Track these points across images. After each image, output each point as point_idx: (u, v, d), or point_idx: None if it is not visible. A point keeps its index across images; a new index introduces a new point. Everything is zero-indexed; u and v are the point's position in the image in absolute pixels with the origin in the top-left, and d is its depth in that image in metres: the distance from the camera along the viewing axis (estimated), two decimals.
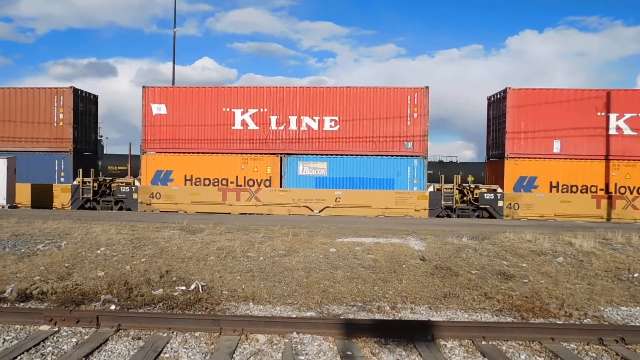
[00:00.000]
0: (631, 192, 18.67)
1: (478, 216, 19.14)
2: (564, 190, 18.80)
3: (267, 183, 19.45)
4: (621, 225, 15.17)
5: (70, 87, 19.81)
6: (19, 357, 4.66)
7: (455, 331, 5.36)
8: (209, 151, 19.57)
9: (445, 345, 5.15)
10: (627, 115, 18.56)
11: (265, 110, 19.41)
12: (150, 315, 5.76)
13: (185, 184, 19.52)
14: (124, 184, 20.04)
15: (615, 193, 18.66)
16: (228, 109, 19.52)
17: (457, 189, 19.20)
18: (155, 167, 19.65)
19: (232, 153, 19.52)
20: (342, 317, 6.06)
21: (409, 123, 18.93)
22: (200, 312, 6.17)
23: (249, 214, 18.30)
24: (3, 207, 18.75)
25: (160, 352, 4.84)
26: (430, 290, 7.28)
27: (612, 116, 18.62)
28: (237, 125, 19.52)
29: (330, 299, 6.84)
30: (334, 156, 19.25)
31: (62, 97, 19.75)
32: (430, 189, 19.08)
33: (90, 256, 8.74)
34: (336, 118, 19.27)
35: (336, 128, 19.25)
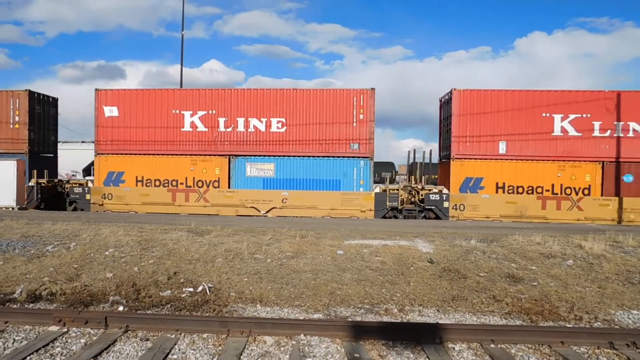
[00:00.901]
0: (577, 193, 18.68)
1: (425, 217, 19.19)
2: (510, 191, 18.86)
3: (216, 184, 19.71)
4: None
5: (26, 90, 20.19)
6: (28, 358, 4.69)
7: (463, 334, 5.32)
8: (160, 153, 19.92)
9: (454, 348, 5.11)
10: (572, 116, 18.62)
11: (214, 112, 19.74)
12: (158, 316, 5.77)
13: (136, 185, 19.84)
14: (77, 185, 20.39)
15: (561, 194, 18.69)
16: (178, 111, 19.87)
17: (403, 189, 19.33)
18: (107, 169, 20.02)
19: (181, 154, 19.83)
20: (350, 319, 6.04)
21: (355, 124, 19.14)
22: (208, 314, 6.18)
23: (198, 214, 18.56)
24: (12, 208, 18.94)
25: (168, 354, 4.85)
26: (438, 292, 7.23)
27: (557, 117, 18.68)
28: (187, 127, 19.88)
29: (337, 301, 6.82)
30: (281, 157, 19.49)
31: (17, 99, 20.13)
32: (377, 190, 19.19)
33: (99, 257, 8.79)
34: (283, 120, 19.53)
35: (283, 130, 19.52)
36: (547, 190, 18.71)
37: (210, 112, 19.70)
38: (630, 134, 18.49)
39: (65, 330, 5.37)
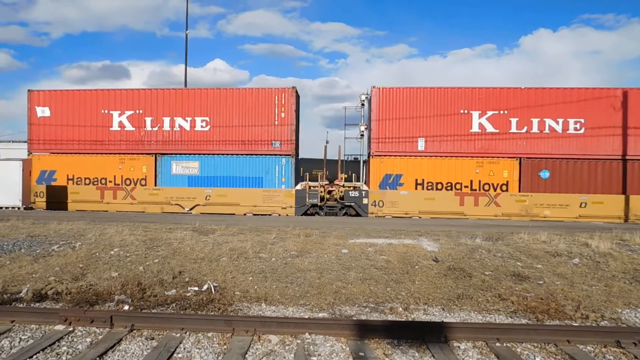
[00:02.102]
0: (495, 190, 18.84)
1: (345, 214, 19.32)
2: (429, 187, 19.04)
3: (143, 182, 20.15)
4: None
5: None
6: (34, 357, 4.71)
7: (468, 333, 5.29)
8: (89, 152, 20.42)
9: (459, 347, 5.09)
10: (490, 113, 18.85)
11: (141, 112, 20.25)
12: (164, 315, 5.78)
13: (67, 183, 20.27)
14: None
15: (480, 190, 18.83)
16: (106, 111, 20.38)
17: (323, 186, 19.52)
18: (40, 167, 20.47)
19: (110, 153, 20.35)
20: (355, 318, 6.03)
21: (276, 123, 19.57)
22: (213, 313, 6.18)
23: (126, 212, 19.00)
24: (19, 208, 19.04)
25: (173, 352, 4.86)
26: (444, 291, 7.21)
27: (475, 114, 18.89)
28: (115, 127, 20.40)
29: (342, 299, 6.81)
30: (205, 156, 20.02)
31: None
32: (298, 187, 19.40)
33: (104, 257, 8.82)
34: (207, 119, 20.01)
35: (207, 128, 20.02)
36: (466, 187, 18.97)
37: (137, 112, 20.29)
38: (547, 131, 18.77)
39: (71, 329, 5.40)
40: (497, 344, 5.12)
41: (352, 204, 19.20)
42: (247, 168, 19.77)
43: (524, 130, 18.81)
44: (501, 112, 18.86)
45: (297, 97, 20.45)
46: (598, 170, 18.56)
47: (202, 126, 20.00)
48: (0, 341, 5.09)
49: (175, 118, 20.07)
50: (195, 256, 8.87)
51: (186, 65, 35.10)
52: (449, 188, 19.02)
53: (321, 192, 19.40)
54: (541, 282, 7.67)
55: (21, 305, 6.41)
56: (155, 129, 20.18)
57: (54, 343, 5.03)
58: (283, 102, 19.53)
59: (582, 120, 18.64)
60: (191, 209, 19.55)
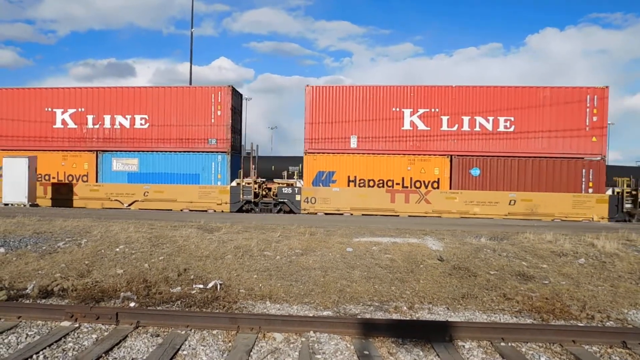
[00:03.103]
0: (426, 187, 19.00)
1: (280, 210, 19.54)
2: (361, 184, 19.19)
3: (85, 178, 20.64)
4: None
5: None
6: (41, 352, 4.74)
7: (473, 332, 5.28)
8: (34, 148, 20.72)
9: (464, 347, 5.09)
10: (421, 111, 19.07)
11: (83, 110, 20.75)
12: (169, 312, 5.81)
13: None
14: None
15: (411, 187, 19.01)
16: (50, 109, 20.86)
17: (257, 183, 19.80)
18: None
19: (53, 150, 20.74)
20: (359, 317, 6.03)
21: (212, 121, 20.01)
22: (217, 310, 6.20)
23: (68, 207, 19.42)
24: (24, 205, 19.15)
25: (178, 349, 4.88)
26: (448, 290, 7.20)
27: (407, 112, 19.13)
28: (58, 124, 20.92)
29: (347, 298, 6.81)
30: (144, 153, 20.51)
31: None
32: (233, 183, 19.65)
33: (110, 254, 8.86)
34: (146, 117, 20.43)
35: (146, 126, 20.48)
36: (398, 184, 19.14)
37: (79, 109, 20.75)
38: (477, 129, 18.94)
39: (77, 325, 5.43)
40: (502, 344, 5.11)
41: (285, 200, 19.48)
42: (184, 165, 20.26)
43: (455, 128, 19.09)
44: (432, 110, 19.16)
45: (238, 95, 21.22)
46: (528, 168, 18.74)
47: (141, 124, 20.53)
48: (7, 337, 5.13)
49: (115, 116, 20.62)
50: (200, 254, 8.90)
51: (191, 63, 35.19)
52: (380, 185, 19.26)
53: (255, 188, 19.70)
54: (546, 282, 7.65)
55: (27, 302, 6.44)
56: (97, 126, 20.76)
57: (60, 339, 5.06)
58: (219, 101, 20.03)
59: (512, 119, 18.90)
60: (130, 205, 20.02)
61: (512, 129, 18.83)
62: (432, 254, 9.07)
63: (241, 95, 22.15)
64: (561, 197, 18.43)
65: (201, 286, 7.12)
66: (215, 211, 19.32)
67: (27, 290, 6.82)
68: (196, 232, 10.83)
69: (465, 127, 18.98)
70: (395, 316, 6.18)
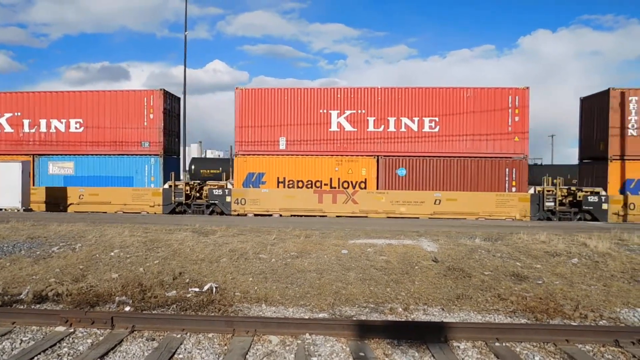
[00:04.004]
0: (353, 187, 19.27)
1: (212, 212, 19.80)
2: (290, 185, 19.50)
3: None
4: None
5: None
6: (35, 358, 4.73)
7: (468, 332, 5.32)
8: None
9: (459, 347, 5.12)
10: (348, 112, 19.40)
11: (19, 114, 20.93)
12: (164, 316, 5.81)
13: None
14: None
15: (339, 188, 19.29)
16: None
17: (188, 185, 20.08)
18: None
19: None
20: (355, 319, 6.05)
21: (145, 124, 20.31)
22: (213, 314, 6.20)
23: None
24: (18, 210, 19.04)
25: (174, 353, 4.88)
26: (443, 291, 7.24)
27: (334, 113, 19.46)
28: None
29: (342, 300, 6.83)
30: (80, 156, 20.83)
31: None
32: (165, 186, 19.90)
33: (105, 258, 8.84)
34: (81, 120, 20.68)
35: (81, 130, 20.75)
36: (326, 185, 19.42)
37: (15, 114, 20.90)
38: (403, 129, 19.28)
39: (72, 330, 5.41)
40: (497, 344, 5.14)
41: (216, 201, 19.69)
42: (119, 168, 20.50)
43: (381, 129, 19.41)
44: (359, 111, 19.46)
45: (174, 99, 21.66)
46: (452, 168, 19.05)
47: (76, 127, 20.80)
48: (1, 343, 5.11)
49: (51, 120, 20.82)
50: (196, 257, 8.89)
51: (185, 66, 35.14)
52: (309, 186, 19.52)
53: (186, 190, 19.90)
54: (540, 282, 7.70)
55: (22, 307, 6.42)
56: (33, 130, 20.94)
57: (55, 344, 5.05)
58: (152, 104, 20.33)
59: (437, 119, 19.22)
60: (65, 208, 20.18)
61: (436, 130, 19.22)
62: (427, 256, 9.11)
63: (179, 98, 22.64)
64: (485, 197, 18.77)
65: (197, 289, 7.11)
66: (148, 213, 19.59)
67: (22, 296, 6.79)
68: (191, 236, 10.82)
69: (391, 128, 19.37)
70: (390, 317, 6.21)
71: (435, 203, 18.83)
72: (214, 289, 7.08)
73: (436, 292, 7.18)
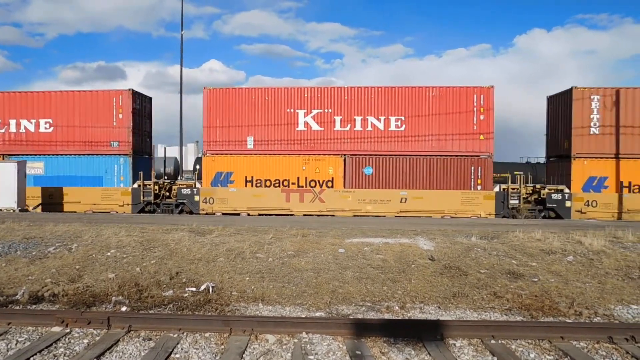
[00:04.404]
0: (320, 186, 19.44)
1: (181, 211, 19.97)
2: (258, 184, 19.67)
3: None
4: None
5: None
6: (31, 358, 4.72)
7: (464, 330, 5.35)
8: None
9: (455, 345, 5.14)
10: (315, 112, 19.57)
11: None
12: (161, 316, 5.81)
13: None
14: None
15: (306, 186, 19.44)
16: None
17: (157, 185, 20.22)
18: None
19: None
20: (352, 317, 6.07)
21: (114, 124, 20.42)
22: (210, 313, 6.21)
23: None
24: (14, 210, 18.96)
25: (170, 353, 4.88)
26: (440, 289, 7.27)
27: (301, 112, 19.64)
28: None
29: (339, 299, 6.85)
30: (49, 156, 20.74)
31: None
32: (135, 185, 20.05)
33: (101, 258, 8.82)
34: (50, 120, 20.72)
35: (51, 130, 20.86)
36: (293, 184, 19.57)
37: None
38: (369, 128, 19.43)
39: (68, 330, 5.41)
40: (492, 341, 5.17)
41: (185, 201, 19.81)
42: (88, 167, 20.58)
43: (348, 128, 19.54)
44: (326, 110, 19.60)
45: (144, 99, 21.78)
46: (419, 167, 19.23)
47: (46, 128, 20.80)
48: None
49: (21, 120, 20.79)
50: (192, 257, 8.89)
51: (182, 65, 34.95)
52: (277, 185, 19.67)
53: (155, 190, 20.00)
54: (536, 280, 7.74)
55: (17, 308, 6.40)
56: (2, 130, 20.96)
57: (51, 345, 5.04)
58: (121, 104, 20.41)
59: (403, 118, 19.39)
60: (35, 208, 20.21)
61: (402, 128, 19.38)
62: (423, 254, 9.14)
63: (150, 98, 22.66)
64: (450, 195, 18.91)
65: (193, 289, 7.12)
66: (117, 212, 19.68)
67: (17, 296, 6.78)
68: (188, 235, 10.81)
69: (358, 127, 19.51)
70: (387, 316, 6.23)
71: (401, 201, 18.99)
72: (211, 289, 7.09)
73: (432, 291, 7.21)
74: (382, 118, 19.39)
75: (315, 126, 19.57)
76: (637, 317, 6.29)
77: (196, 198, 19.55)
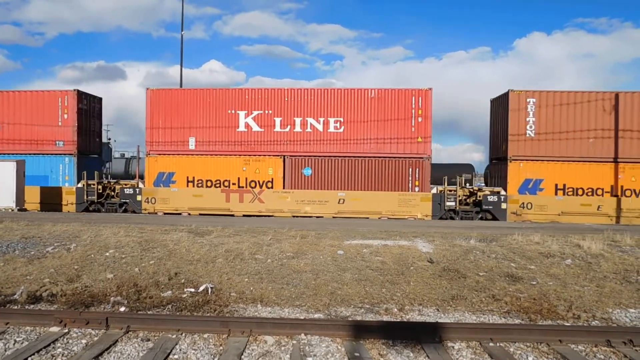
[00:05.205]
0: (260, 186, 19.71)
1: (124, 210, 20.16)
2: (199, 184, 19.88)
3: None
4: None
5: None
6: (29, 358, 4.71)
7: (462, 333, 5.35)
8: None
9: (453, 347, 5.15)
10: (255, 113, 19.83)
11: None
12: (159, 316, 5.80)
13: None
14: None
15: (246, 187, 19.72)
16: None
17: (101, 184, 20.42)
18: None
19: None
20: (350, 319, 6.08)
21: (60, 124, 20.67)
22: (208, 314, 6.21)
23: None
24: (13, 210, 18.94)
25: (169, 354, 4.88)
26: (438, 292, 7.27)
27: (241, 114, 19.88)
28: None
29: (338, 300, 6.85)
30: None
31: None
32: (79, 184, 20.27)
33: (100, 258, 8.81)
34: None
35: None
36: (234, 184, 19.79)
37: None
38: (309, 129, 19.66)
39: (66, 331, 5.40)
40: (491, 344, 5.18)
41: (128, 200, 20.02)
42: (34, 167, 20.64)
43: (288, 129, 19.74)
44: (266, 111, 19.83)
45: (92, 99, 21.96)
46: (357, 168, 19.37)
47: None
48: None
49: None
50: (191, 257, 8.89)
51: (182, 66, 34.97)
52: (217, 185, 19.87)
53: (98, 189, 20.21)
54: (534, 283, 7.75)
55: (15, 307, 6.39)
56: None
57: (49, 345, 5.04)
58: (66, 105, 20.63)
59: (342, 120, 19.55)
60: None
61: (341, 130, 19.57)
62: (422, 256, 9.15)
63: (100, 99, 22.87)
64: (388, 196, 19.05)
65: (192, 290, 7.11)
66: (62, 211, 19.88)
67: (15, 296, 6.77)
68: (187, 236, 10.81)
69: (298, 129, 19.72)
70: (385, 318, 6.24)
71: (339, 202, 19.13)
72: (210, 290, 7.08)
73: (431, 293, 7.21)
74: (322, 120, 19.62)
75: (255, 127, 19.82)
76: (635, 320, 6.30)
77: (138, 198, 19.84)
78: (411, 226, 14.49)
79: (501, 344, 5.20)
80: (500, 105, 20.23)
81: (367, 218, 18.42)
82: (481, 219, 19.06)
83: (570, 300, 6.94)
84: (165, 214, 19.20)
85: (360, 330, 5.35)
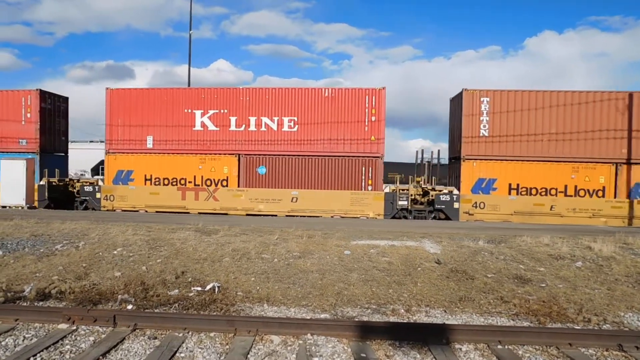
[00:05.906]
0: (216, 185, 19.79)
1: (85, 208, 20.36)
2: (157, 182, 20.07)
3: None
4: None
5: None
6: (38, 355, 4.74)
7: (470, 335, 5.30)
8: None
9: (461, 349, 5.10)
10: (211, 112, 19.96)
11: None
12: (166, 315, 5.81)
13: None
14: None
15: (202, 185, 19.86)
16: None
17: (62, 182, 20.74)
18: None
19: None
20: (357, 319, 6.05)
21: (23, 123, 20.92)
22: (215, 313, 6.21)
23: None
24: (22, 207, 19.11)
25: (175, 352, 4.88)
26: (446, 293, 7.21)
27: (198, 113, 20.03)
28: None
29: (344, 301, 6.82)
30: None
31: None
32: (42, 182, 20.40)
33: (107, 256, 8.86)
34: None
35: None
36: (190, 182, 20.00)
37: None
38: (263, 128, 19.77)
39: (75, 328, 5.43)
40: (499, 346, 5.12)
41: (88, 198, 20.32)
42: None
43: (242, 128, 19.85)
44: (222, 111, 19.94)
45: (56, 98, 22.13)
46: (311, 166, 19.42)
47: None
48: (4, 339, 5.13)
49: None
50: (198, 256, 8.90)
51: (190, 65, 35.11)
52: (174, 183, 20.06)
53: (61, 188, 20.57)
54: (543, 285, 7.67)
55: (25, 304, 6.44)
56: None
57: (57, 342, 5.06)
58: (29, 104, 20.85)
59: (296, 119, 19.60)
60: None
61: (295, 129, 19.63)
62: (429, 257, 9.09)
63: (66, 98, 23.07)
64: (340, 195, 19.06)
65: (199, 289, 7.12)
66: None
67: (25, 293, 6.82)
68: (194, 235, 10.83)
69: (252, 128, 19.81)
70: (392, 319, 6.20)
71: (292, 201, 19.20)
72: (216, 289, 7.09)
73: (438, 294, 7.16)
74: (276, 119, 19.73)
75: (211, 126, 19.99)
76: None
77: (98, 195, 20.16)
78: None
79: (510, 347, 5.14)
80: (456, 105, 20.12)
81: (320, 217, 18.46)
82: (434, 218, 19.02)
83: (580, 303, 6.86)
84: (123, 211, 19.61)
85: (367, 331, 5.32)
